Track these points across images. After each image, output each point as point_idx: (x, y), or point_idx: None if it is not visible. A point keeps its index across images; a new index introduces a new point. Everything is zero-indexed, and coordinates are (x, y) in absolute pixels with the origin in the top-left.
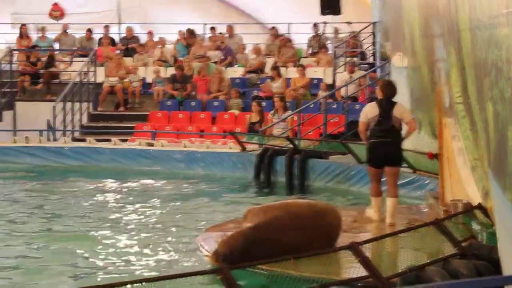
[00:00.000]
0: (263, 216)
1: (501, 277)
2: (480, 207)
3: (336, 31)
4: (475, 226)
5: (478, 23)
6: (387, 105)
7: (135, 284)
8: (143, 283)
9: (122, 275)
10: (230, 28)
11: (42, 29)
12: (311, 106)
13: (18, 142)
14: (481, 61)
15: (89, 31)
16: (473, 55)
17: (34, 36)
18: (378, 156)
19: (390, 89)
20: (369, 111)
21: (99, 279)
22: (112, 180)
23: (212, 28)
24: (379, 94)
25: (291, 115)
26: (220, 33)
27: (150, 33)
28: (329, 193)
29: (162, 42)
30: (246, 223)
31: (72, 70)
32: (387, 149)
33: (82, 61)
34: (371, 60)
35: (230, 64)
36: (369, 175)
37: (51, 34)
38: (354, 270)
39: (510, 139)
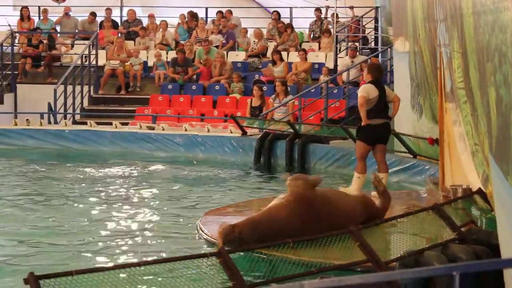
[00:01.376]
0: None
1: (499, 260)
2: (480, 192)
3: (336, 17)
4: (475, 211)
5: (482, 8)
6: (381, 86)
7: (133, 267)
8: (141, 266)
9: (120, 257)
10: (228, 11)
11: (44, 12)
12: (312, 90)
13: (19, 124)
14: (484, 45)
15: (93, 14)
16: (476, 40)
17: (35, 18)
18: (375, 135)
19: (380, 71)
20: (370, 92)
21: (97, 261)
22: (113, 163)
23: (219, 12)
24: (367, 77)
25: (292, 99)
26: (224, 17)
27: (151, 16)
28: (330, 178)
29: (164, 25)
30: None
31: (74, 53)
32: (385, 129)
33: (84, 44)
34: (372, 45)
35: (232, 48)
36: (359, 152)
37: (53, 17)
38: (353, 254)
39: None
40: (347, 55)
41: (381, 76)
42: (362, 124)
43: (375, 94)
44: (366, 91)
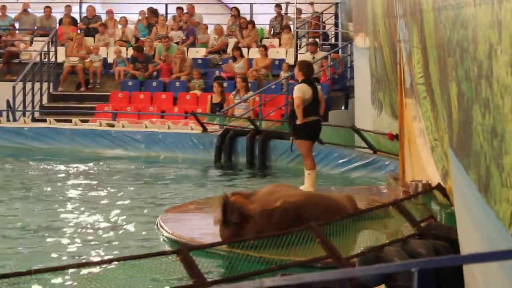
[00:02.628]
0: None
1: (459, 256)
2: (439, 187)
3: (299, 12)
4: (434, 207)
5: (443, 3)
6: (313, 85)
7: (94, 266)
8: (101, 265)
9: (81, 256)
10: (191, 7)
11: (2, 8)
12: (273, 87)
13: None
14: (445, 41)
15: (48, 8)
16: (436, 36)
17: None
18: (315, 132)
19: (311, 69)
20: (306, 91)
21: (57, 260)
22: (72, 161)
23: (179, 9)
24: (299, 75)
25: (252, 95)
26: (186, 13)
27: (109, 12)
28: (290, 174)
29: (123, 21)
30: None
31: (33, 49)
32: (319, 126)
33: (43, 40)
34: (333, 41)
35: (192, 45)
36: (305, 150)
37: (12, 13)
38: (314, 251)
39: (475, 118)
40: (307, 51)
41: (312, 73)
42: (298, 122)
43: (310, 93)
44: (302, 91)
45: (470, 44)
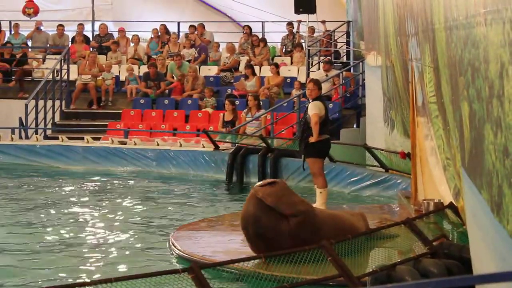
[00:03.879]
0: None
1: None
2: (451, 206)
3: (312, 31)
4: (446, 226)
5: (454, 22)
6: (325, 103)
7: (105, 284)
8: (113, 282)
9: (92, 273)
10: (200, 25)
11: (15, 26)
12: (285, 105)
13: None
14: (456, 60)
15: (61, 26)
16: (448, 55)
17: (7, 33)
18: (327, 150)
19: (321, 87)
20: (322, 109)
21: (68, 278)
22: (84, 179)
23: (191, 27)
24: (317, 93)
25: (264, 113)
26: (195, 31)
27: (121, 31)
28: (302, 192)
29: (136, 39)
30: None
31: (45, 67)
32: (330, 144)
33: (55, 58)
34: (344, 59)
35: (204, 62)
36: (318, 168)
37: (24, 31)
38: (326, 269)
39: (486, 138)
40: (319, 69)
41: (321, 91)
42: (313, 140)
43: (323, 110)
44: (319, 108)
45: (481, 64)
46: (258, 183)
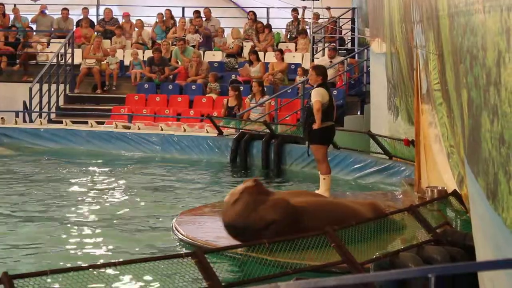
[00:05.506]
0: None
1: (476, 262)
2: (455, 193)
3: (316, 17)
4: (450, 213)
5: (455, 9)
6: (329, 89)
7: (108, 267)
8: (116, 266)
9: (95, 257)
10: (207, 11)
11: (16, 11)
12: (289, 91)
13: None
14: (457, 47)
15: (66, 9)
16: (451, 42)
17: (10, 17)
18: (330, 137)
19: (326, 74)
20: (324, 95)
21: (69, 260)
22: (88, 163)
23: (195, 12)
24: (317, 79)
25: (268, 99)
26: (200, 17)
27: (126, 15)
28: (305, 178)
29: (139, 24)
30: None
31: (50, 51)
32: (334, 130)
33: (60, 42)
34: (349, 46)
35: (209, 48)
36: (321, 155)
37: (29, 15)
38: (329, 255)
39: (483, 125)
40: (323, 55)
41: (327, 78)
42: (315, 127)
43: (327, 97)
44: (321, 95)
45: (479, 51)
46: (225, 199)
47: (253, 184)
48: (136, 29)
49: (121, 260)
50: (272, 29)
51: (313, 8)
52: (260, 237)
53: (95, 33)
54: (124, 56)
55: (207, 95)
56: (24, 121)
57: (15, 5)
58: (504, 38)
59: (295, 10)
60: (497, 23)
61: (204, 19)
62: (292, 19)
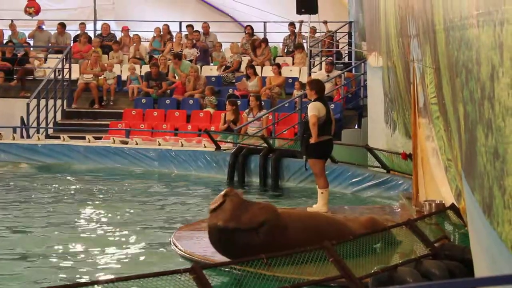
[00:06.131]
0: None
1: (472, 279)
2: (453, 207)
3: (313, 31)
4: (448, 227)
5: (451, 24)
6: (326, 103)
7: (106, 284)
8: (114, 283)
9: (94, 273)
10: (205, 26)
11: (13, 27)
12: (286, 105)
13: None
14: (453, 61)
15: (61, 25)
16: (447, 56)
17: (7, 32)
18: (328, 151)
19: (323, 88)
20: (320, 110)
21: (70, 277)
22: (85, 178)
23: (189, 26)
24: (312, 94)
25: (266, 114)
26: (197, 31)
27: (125, 30)
28: (303, 193)
29: (137, 39)
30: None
31: (47, 66)
32: (331, 145)
33: (57, 57)
34: (346, 60)
35: (206, 62)
36: (318, 169)
37: (26, 30)
38: (327, 270)
39: (478, 139)
40: (321, 69)
41: (324, 92)
42: (312, 141)
43: (324, 111)
44: (317, 109)
45: (474, 65)
46: (210, 207)
47: (231, 189)
48: (134, 44)
49: (118, 276)
50: (269, 43)
51: (310, 22)
52: (249, 241)
53: (93, 48)
54: (121, 71)
55: (204, 109)
56: (22, 136)
57: (12, 20)
58: (497, 52)
59: (292, 24)
60: (490, 37)
61: (202, 33)
62: (289, 33)
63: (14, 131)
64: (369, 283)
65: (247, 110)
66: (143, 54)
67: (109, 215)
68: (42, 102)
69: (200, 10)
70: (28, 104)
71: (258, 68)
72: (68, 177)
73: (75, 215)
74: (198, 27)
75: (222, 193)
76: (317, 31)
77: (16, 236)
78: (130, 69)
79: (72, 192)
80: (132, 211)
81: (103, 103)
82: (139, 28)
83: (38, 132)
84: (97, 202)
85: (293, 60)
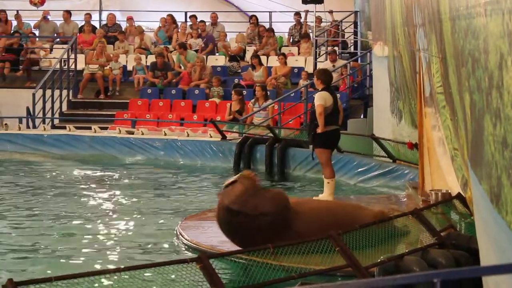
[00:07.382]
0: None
1: (479, 267)
2: (459, 196)
3: (319, 21)
4: (454, 216)
5: (457, 13)
6: (333, 93)
7: (112, 273)
8: (121, 272)
9: (100, 263)
10: (214, 16)
11: (17, 17)
12: (292, 95)
13: None
14: (459, 51)
15: (67, 12)
16: (453, 45)
17: (13, 22)
18: (335, 141)
19: (330, 77)
20: (327, 99)
21: (74, 268)
22: (91, 168)
23: (192, 17)
24: (318, 84)
25: (271, 104)
26: (202, 21)
27: (129, 19)
28: (309, 182)
29: (141, 29)
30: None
31: (53, 57)
32: (338, 135)
33: (63, 48)
34: (352, 49)
35: (211, 52)
36: (325, 158)
37: (31, 21)
38: (333, 259)
39: (485, 129)
40: (326, 59)
41: (331, 81)
42: (319, 131)
43: (331, 101)
44: (324, 98)
45: (481, 54)
46: (225, 183)
47: (249, 172)
48: (140, 34)
49: (125, 266)
50: (275, 33)
51: (316, 11)
52: (251, 227)
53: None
54: (127, 61)
55: (210, 99)
56: (28, 127)
57: (17, 11)
58: (506, 41)
59: (297, 14)
60: (499, 26)
61: (209, 23)
62: (294, 23)
63: (20, 122)
64: (376, 272)
65: (252, 100)
66: (148, 44)
67: (115, 205)
68: (48, 92)
69: (206, 0)
70: (34, 95)
71: (263, 58)
72: (74, 167)
73: (80, 204)
74: (202, 17)
75: (238, 175)
76: (323, 20)
77: (27, 224)
78: (135, 59)
79: (78, 182)
80: (137, 201)
81: (108, 93)
82: (145, 18)
83: (44, 122)
84: (102, 192)
85: (298, 50)
